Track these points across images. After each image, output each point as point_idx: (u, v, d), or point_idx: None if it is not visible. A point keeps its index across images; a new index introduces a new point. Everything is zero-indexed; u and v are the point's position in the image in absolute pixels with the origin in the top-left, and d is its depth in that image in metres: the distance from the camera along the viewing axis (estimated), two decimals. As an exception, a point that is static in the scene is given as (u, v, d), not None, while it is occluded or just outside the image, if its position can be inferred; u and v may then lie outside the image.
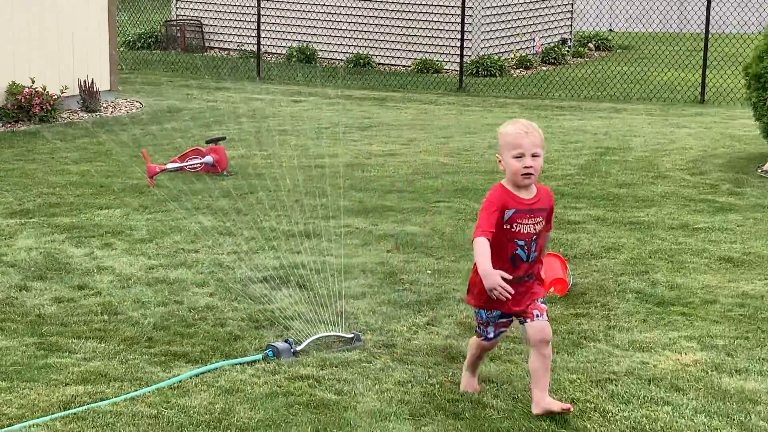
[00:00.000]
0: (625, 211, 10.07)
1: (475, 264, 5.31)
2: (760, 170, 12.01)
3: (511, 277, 5.19)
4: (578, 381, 5.94)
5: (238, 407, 5.54)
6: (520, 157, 5.34)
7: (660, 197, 10.68)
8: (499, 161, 5.47)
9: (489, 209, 5.30)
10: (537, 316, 5.35)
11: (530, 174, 5.34)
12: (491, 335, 5.56)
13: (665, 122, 16.09)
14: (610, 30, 27.21)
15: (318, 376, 5.96)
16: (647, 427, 5.34)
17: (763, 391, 5.81)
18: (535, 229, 5.35)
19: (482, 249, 5.20)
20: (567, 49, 24.34)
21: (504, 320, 5.53)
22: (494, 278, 5.14)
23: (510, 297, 5.20)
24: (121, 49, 23.54)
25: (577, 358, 6.30)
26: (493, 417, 5.45)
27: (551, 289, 7.49)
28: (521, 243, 5.32)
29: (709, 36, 19.29)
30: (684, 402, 5.65)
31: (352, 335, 6.50)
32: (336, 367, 6.12)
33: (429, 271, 8.05)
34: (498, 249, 5.27)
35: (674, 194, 10.82)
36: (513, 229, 5.31)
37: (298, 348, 6.29)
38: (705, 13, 19.36)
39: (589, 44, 25.19)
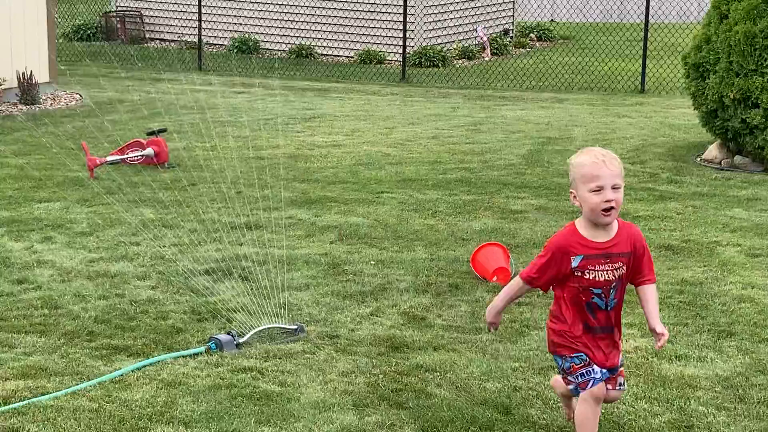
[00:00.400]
0: (566, 200, 10.12)
1: (549, 312, 4.90)
2: (699, 159, 12.15)
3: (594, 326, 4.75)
4: (521, 369, 5.98)
5: (180, 400, 5.51)
6: (598, 190, 4.58)
7: (601, 186, 10.74)
8: (573, 197, 4.72)
9: (543, 254, 4.73)
10: (620, 385, 4.87)
11: (612, 209, 4.60)
12: (599, 375, 4.72)
13: (606, 112, 16.22)
14: (552, 20, 27.37)
15: (261, 368, 5.94)
16: (589, 413, 5.38)
17: (703, 377, 5.89)
18: (614, 275, 4.67)
19: (507, 287, 4.92)
20: (509, 39, 24.44)
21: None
22: (489, 313, 4.96)
23: (494, 330, 5.08)
24: (60, 40, 23.27)
25: (519, 347, 6.34)
26: (436, 406, 5.46)
27: (494, 279, 7.54)
28: (597, 291, 4.68)
29: (649, 26, 19.46)
30: (625, 388, 5.70)
31: (296, 327, 6.49)
32: (279, 358, 6.11)
33: (373, 262, 8.05)
34: (573, 297, 4.72)
35: (615, 183, 10.89)
36: (585, 277, 4.65)
37: (241, 340, 6.27)
38: (645, 3, 19.53)
39: (531, 35, 25.30)
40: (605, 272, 4.66)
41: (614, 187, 4.58)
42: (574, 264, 4.64)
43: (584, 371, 4.72)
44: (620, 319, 4.85)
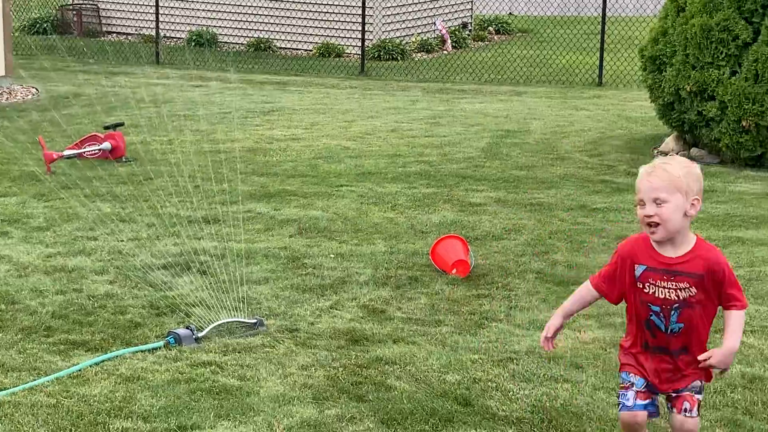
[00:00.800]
0: (525, 192, 10.18)
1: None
2: (656, 151, 12.24)
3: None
4: (480, 361, 6.00)
5: (139, 395, 5.48)
6: (641, 204, 4.29)
7: (559, 179, 10.82)
8: None
9: (611, 260, 4.48)
10: (685, 410, 4.38)
11: (657, 225, 4.25)
12: (630, 402, 4.42)
13: (564, 105, 16.29)
14: (510, 14, 27.45)
15: (220, 362, 5.93)
16: (547, 404, 5.42)
17: (660, 367, 5.93)
18: (677, 295, 4.28)
19: (575, 292, 4.59)
20: (468, 33, 24.49)
21: (646, 390, 4.43)
22: (548, 323, 4.54)
23: (547, 349, 4.56)
24: (16, 34, 23.04)
25: (479, 339, 6.37)
26: (396, 399, 5.47)
27: (453, 271, 7.56)
28: (655, 309, 4.33)
29: (606, 19, 19.56)
30: (583, 379, 5.74)
31: (255, 320, 6.48)
32: (239, 352, 6.09)
33: (332, 255, 8.05)
34: (633, 310, 4.42)
35: (573, 176, 10.97)
36: (645, 290, 4.34)
37: (200, 334, 6.25)
38: (602, -4, 19.62)
39: (490, 28, 25.35)
40: (666, 290, 4.30)
41: (656, 201, 4.23)
42: (636, 273, 4.36)
43: (621, 393, 4.48)
44: (697, 349, 4.38)
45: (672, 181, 4.22)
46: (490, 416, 5.30)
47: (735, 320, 4.31)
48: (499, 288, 7.32)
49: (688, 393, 4.39)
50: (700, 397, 4.42)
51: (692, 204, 4.24)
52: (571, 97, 17.34)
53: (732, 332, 4.30)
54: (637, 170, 4.39)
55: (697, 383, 4.41)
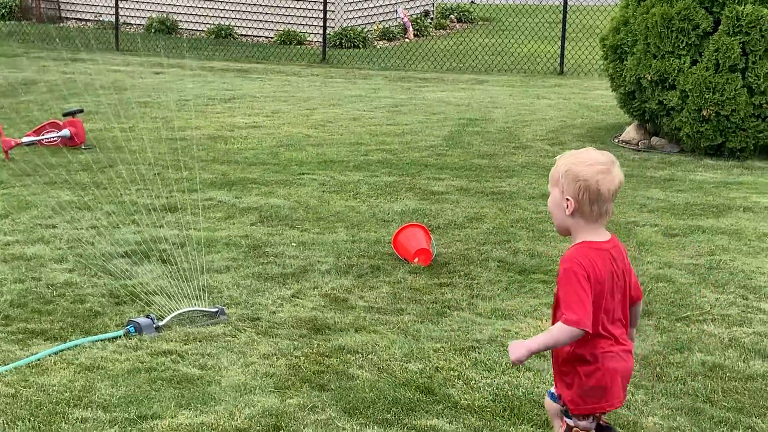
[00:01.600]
0: (487, 181, 10.19)
1: None
2: (617, 140, 12.29)
3: None
4: (442, 350, 6.00)
5: (99, 384, 5.43)
6: None
7: (521, 167, 10.84)
8: None
9: None
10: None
11: None
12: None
13: (526, 93, 16.32)
14: (472, 2, 27.45)
15: (181, 351, 5.89)
16: (509, 393, 5.43)
17: (621, 355, 5.95)
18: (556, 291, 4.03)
19: None
20: (429, 21, 24.47)
21: None
22: None
23: None
24: (-27, 19, 22.77)
25: (441, 327, 6.36)
26: (358, 388, 5.46)
27: (415, 260, 7.55)
28: None
29: (568, 8, 19.60)
30: (545, 368, 5.75)
31: (216, 309, 6.44)
32: (200, 341, 6.05)
33: (294, 244, 8.02)
34: None
35: (534, 164, 10.99)
36: None
37: (161, 323, 6.21)
38: (563, -15, 19.66)
39: (451, 16, 25.36)
40: None
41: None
42: None
43: None
44: (558, 359, 4.08)
45: (553, 174, 3.97)
46: (452, 405, 5.30)
47: (552, 328, 3.90)
48: (461, 276, 7.32)
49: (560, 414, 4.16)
50: (565, 422, 4.08)
51: (566, 204, 3.92)
52: (532, 85, 17.38)
53: (540, 335, 3.94)
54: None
55: (564, 406, 4.09)
